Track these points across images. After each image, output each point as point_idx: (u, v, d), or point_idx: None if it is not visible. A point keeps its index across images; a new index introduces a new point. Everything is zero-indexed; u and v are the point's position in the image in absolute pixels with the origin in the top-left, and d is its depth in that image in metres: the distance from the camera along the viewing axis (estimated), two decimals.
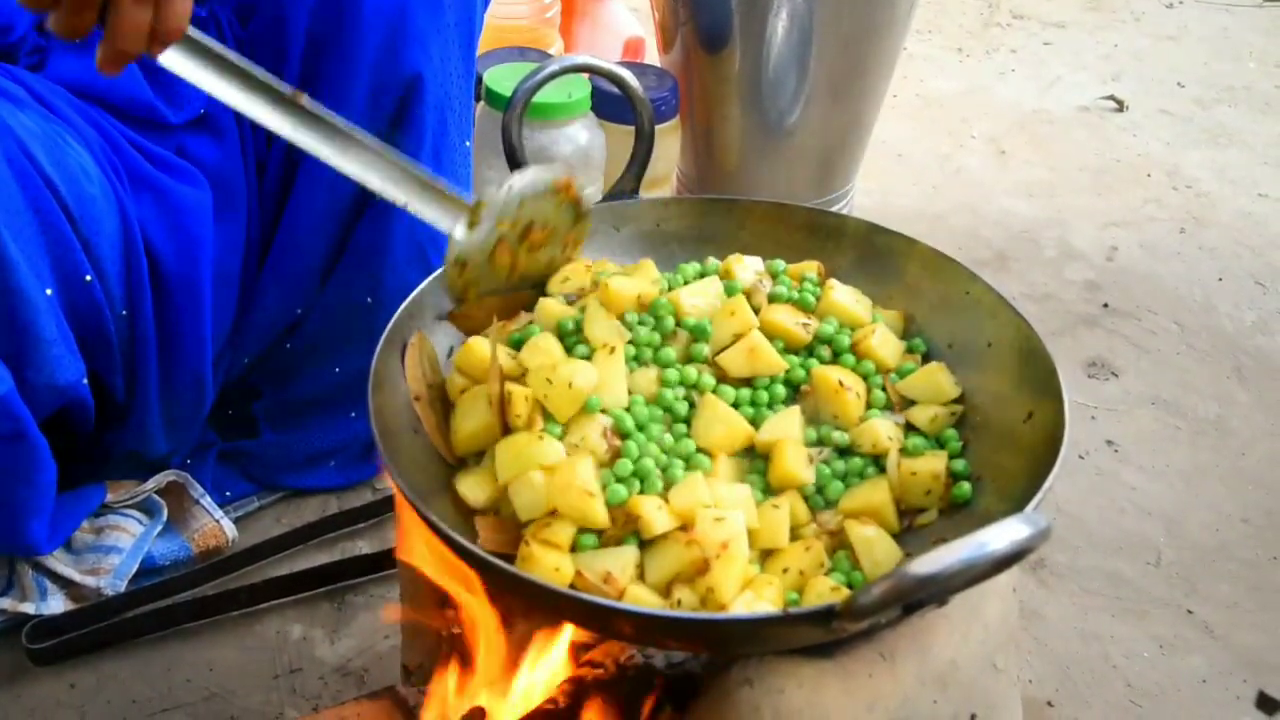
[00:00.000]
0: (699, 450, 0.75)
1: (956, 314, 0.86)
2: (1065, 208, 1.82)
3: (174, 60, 0.72)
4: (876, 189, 1.83)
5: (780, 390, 0.79)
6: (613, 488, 0.70)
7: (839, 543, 0.73)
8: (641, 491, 0.71)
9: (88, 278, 0.93)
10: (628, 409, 0.75)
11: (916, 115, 2.07)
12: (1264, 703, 0.82)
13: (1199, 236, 1.76)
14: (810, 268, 0.88)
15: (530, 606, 0.75)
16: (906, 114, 2.06)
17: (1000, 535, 0.55)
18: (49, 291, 0.89)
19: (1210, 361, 1.50)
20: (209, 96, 1.02)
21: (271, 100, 0.74)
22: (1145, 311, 1.59)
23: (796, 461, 0.73)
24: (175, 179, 1.01)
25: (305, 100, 0.74)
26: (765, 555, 0.72)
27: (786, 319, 0.82)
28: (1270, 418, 1.40)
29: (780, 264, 0.88)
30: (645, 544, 0.70)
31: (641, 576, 0.69)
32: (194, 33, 0.72)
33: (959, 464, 0.77)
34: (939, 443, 0.79)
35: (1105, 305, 1.59)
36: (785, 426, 0.76)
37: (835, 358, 0.82)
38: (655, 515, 0.68)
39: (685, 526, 0.68)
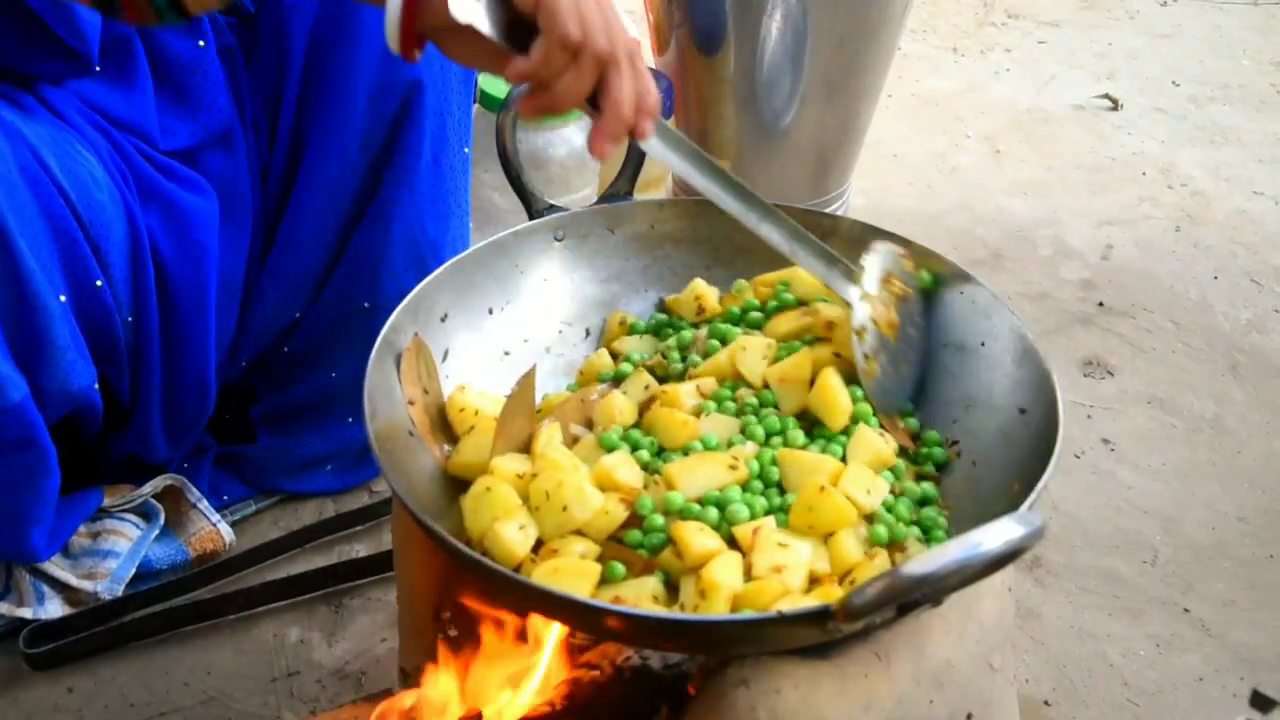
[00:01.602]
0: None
1: (951, 314, 0.86)
2: (1060, 206, 1.82)
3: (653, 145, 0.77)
4: (872, 188, 1.83)
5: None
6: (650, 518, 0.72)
7: None
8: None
9: (98, 283, 0.93)
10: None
11: (912, 115, 2.07)
12: (1258, 701, 0.82)
13: (1194, 235, 1.76)
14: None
15: (526, 608, 0.75)
16: (902, 113, 2.06)
17: (994, 535, 0.55)
18: (62, 298, 0.89)
19: (1206, 360, 1.50)
20: (228, 122, 1.04)
21: (717, 177, 0.80)
22: (1140, 310, 1.59)
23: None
24: (183, 188, 1.01)
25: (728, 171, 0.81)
26: None
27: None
28: (1266, 416, 1.41)
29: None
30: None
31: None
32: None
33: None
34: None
35: (1100, 304, 1.60)
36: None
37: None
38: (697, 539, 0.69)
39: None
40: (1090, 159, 1.96)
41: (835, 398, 0.78)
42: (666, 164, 0.79)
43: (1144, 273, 1.67)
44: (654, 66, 1.59)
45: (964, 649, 0.73)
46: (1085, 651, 1.09)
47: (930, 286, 0.87)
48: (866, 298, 0.82)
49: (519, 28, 0.70)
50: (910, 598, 0.55)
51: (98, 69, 0.95)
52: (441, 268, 0.86)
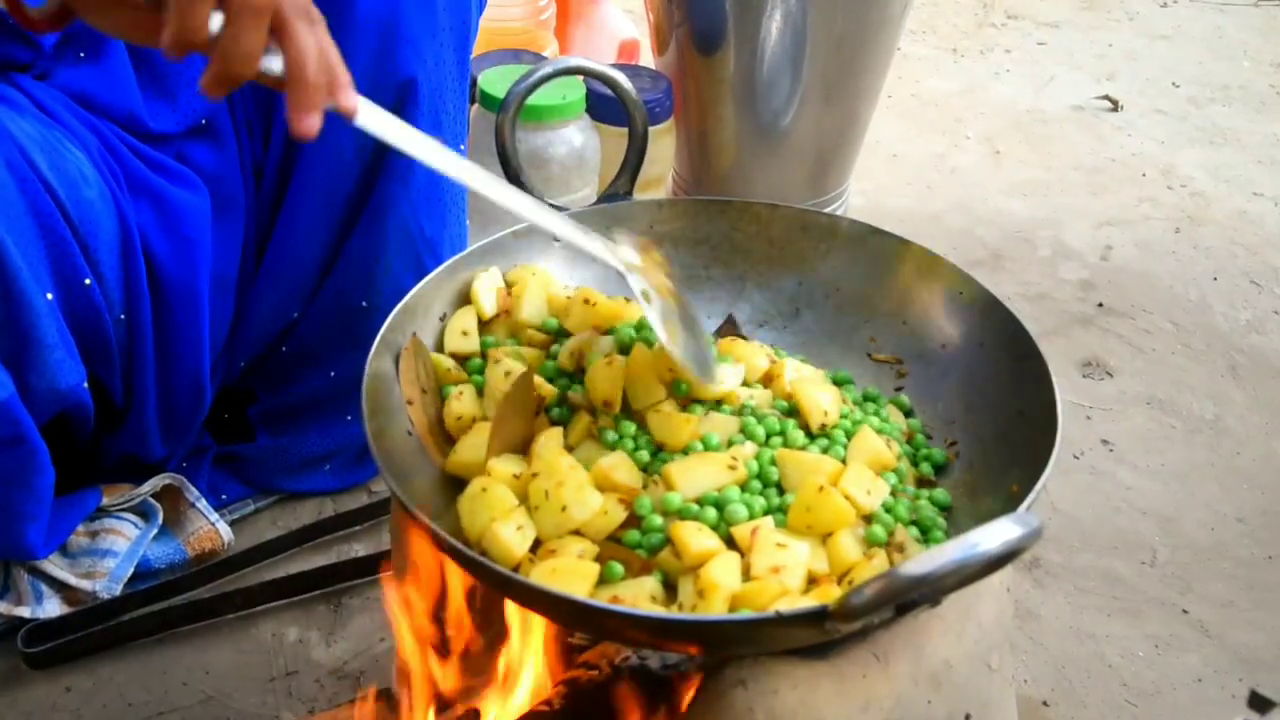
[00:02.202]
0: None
1: (950, 315, 0.86)
2: (1060, 207, 1.82)
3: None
4: (871, 189, 1.83)
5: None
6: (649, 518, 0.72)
7: None
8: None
9: (87, 281, 0.93)
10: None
11: (911, 115, 2.07)
12: (1256, 701, 0.82)
13: (1194, 236, 1.76)
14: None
15: (524, 608, 0.75)
16: (901, 114, 2.07)
17: (992, 536, 0.55)
18: (49, 296, 0.89)
19: (1205, 361, 1.50)
20: (210, 105, 1.04)
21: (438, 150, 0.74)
22: (1140, 311, 1.59)
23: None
24: (173, 184, 1.01)
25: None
26: None
27: None
28: (1265, 417, 1.41)
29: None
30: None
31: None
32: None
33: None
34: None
35: (1100, 305, 1.60)
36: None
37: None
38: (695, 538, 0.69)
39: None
40: (1090, 160, 1.97)
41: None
42: (382, 136, 0.71)
43: (1143, 273, 1.67)
44: (653, 67, 1.59)
45: (962, 649, 0.73)
46: (1084, 652, 1.09)
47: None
48: (633, 267, 0.78)
49: None
50: (908, 598, 0.55)
51: (82, 55, 0.94)
52: (440, 267, 0.86)
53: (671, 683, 0.78)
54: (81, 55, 0.96)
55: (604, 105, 1.39)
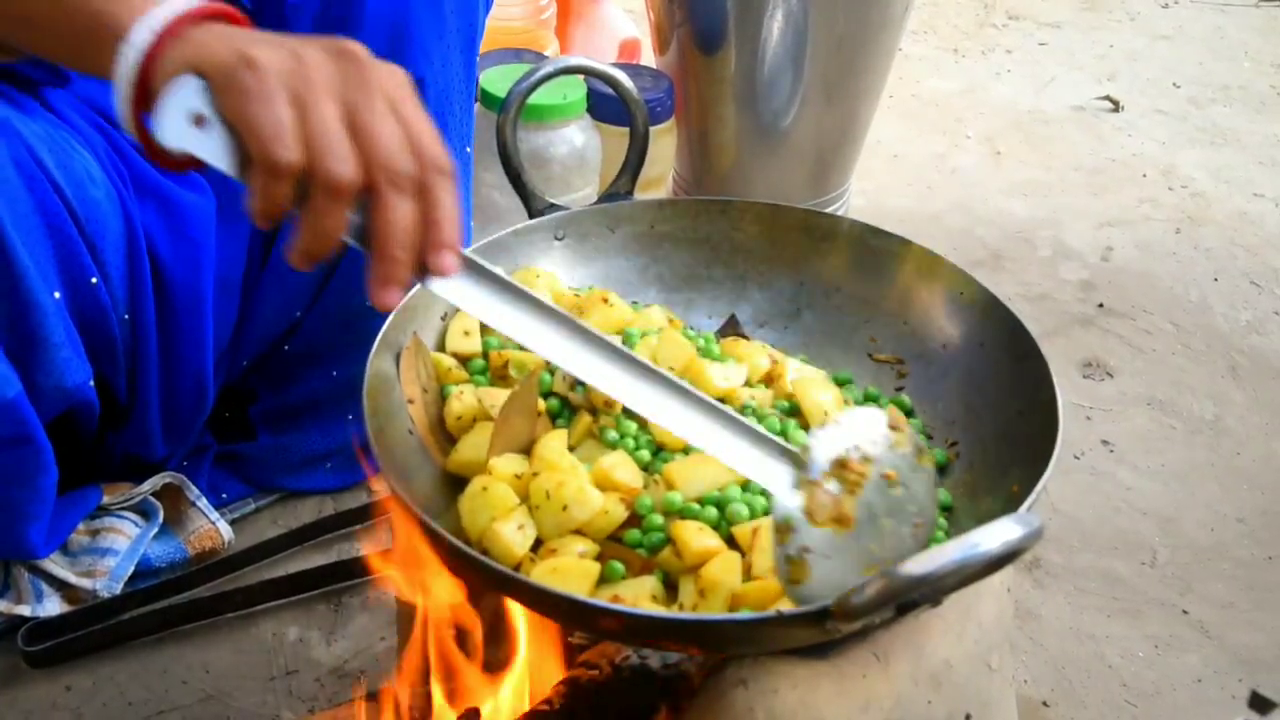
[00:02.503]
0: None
1: (950, 315, 0.86)
2: (1060, 208, 1.82)
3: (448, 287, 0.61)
4: (872, 189, 1.83)
5: None
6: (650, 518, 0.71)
7: None
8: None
9: (93, 280, 0.93)
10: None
11: (912, 115, 2.07)
12: (1256, 702, 0.82)
13: (1194, 236, 1.76)
14: None
15: (526, 607, 0.75)
16: (902, 114, 2.07)
17: (992, 536, 0.55)
18: (57, 295, 0.89)
19: (1205, 361, 1.50)
20: None
21: (560, 326, 0.63)
22: (1140, 311, 1.59)
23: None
24: (180, 185, 1.01)
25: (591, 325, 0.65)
26: None
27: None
28: (1265, 417, 1.41)
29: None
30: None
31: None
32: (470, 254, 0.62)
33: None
34: None
35: (1100, 305, 1.60)
36: None
37: None
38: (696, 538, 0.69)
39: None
40: (1090, 160, 1.96)
41: None
42: (474, 314, 0.63)
43: (1144, 274, 1.67)
44: (654, 66, 1.59)
45: (962, 649, 0.73)
46: (1084, 652, 1.09)
47: (941, 462, 0.77)
48: (805, 485, 0.64)
49: None
50: (908, 598, 0.55)
51: None
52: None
53: (672, 682, 0.78)
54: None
55: (605, 105, 1.39)
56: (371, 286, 0.59)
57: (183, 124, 0.57)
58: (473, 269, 0.62)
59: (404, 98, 0.60)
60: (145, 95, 0.60)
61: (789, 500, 0.63)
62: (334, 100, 0.57)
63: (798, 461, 0.64)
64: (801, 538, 0.62)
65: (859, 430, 0.65)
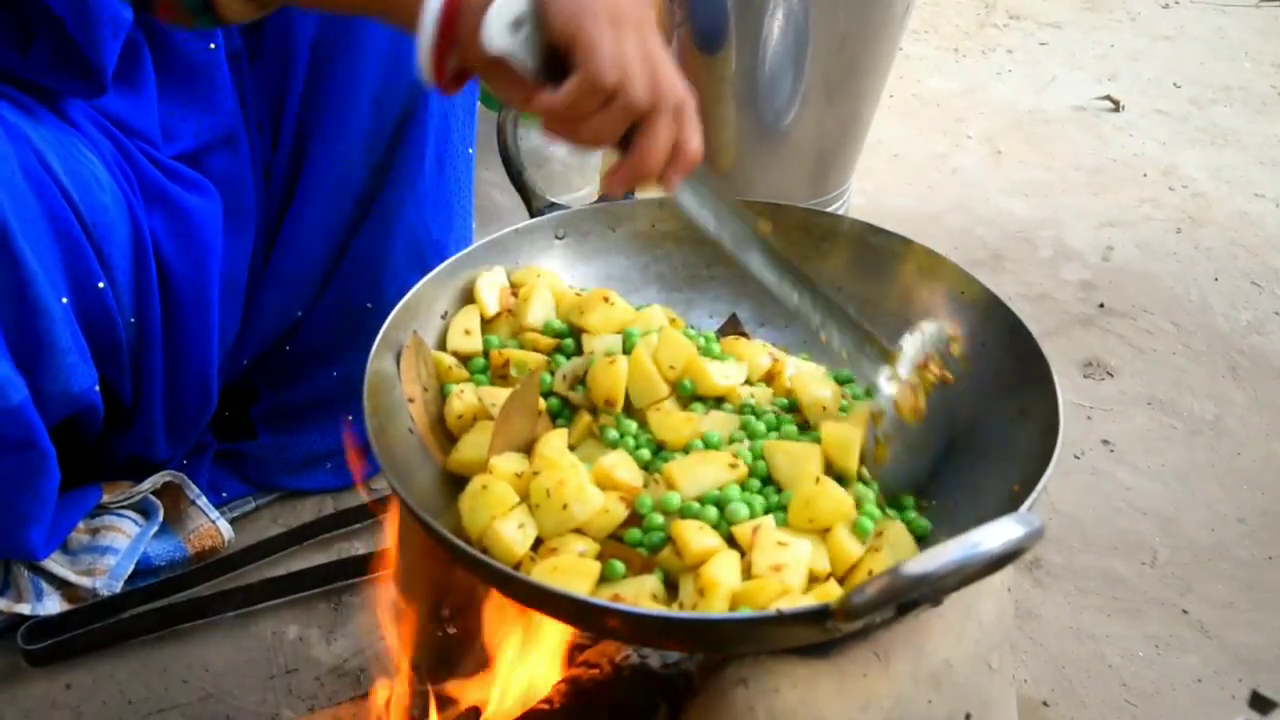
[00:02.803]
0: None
1: (951, 314, 0.86)
2: (1061, 207, 1.82)
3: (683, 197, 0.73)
4: (872, 189, 1.83)
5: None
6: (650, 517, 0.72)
7: None
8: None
9: (100, 284, 0.93)
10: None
11: (913, 115, 2.07)
12: (1257, 702, 0.82)
13: (1195, 236, 1.76)
14: None
15: (526, 606, 0.75)
16: (903, 114, 2.07)
17: (993, 535, 0.55)
18: (64, 300, 0.89)
19: (1206, 361, 1.50)
20: (233, 126, 1.04)
21: (754, 244, 0.77)
22: (1141, 311, 1.59)
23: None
24: (186, 190, 1.01)
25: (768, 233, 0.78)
26: None
27: None
28: (1266, 418, 1.41)
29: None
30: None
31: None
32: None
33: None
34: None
35: (1101, 305, 1.60)
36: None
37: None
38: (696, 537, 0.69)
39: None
40: (1091, 160, 1.96)
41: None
42: (696, 221, 0.75)
43: (1144, 274, 1.67)
44: None
45: (963, 649, 0.73)
46: (1084, 652, 1.09)
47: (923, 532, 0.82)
48: (895, 379, 0.78)
49: (556, 61, 0.66)
50: (909, 597, 0.55)
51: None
52: (441, 265, 0.86)
53: (673, 681, 0.78)
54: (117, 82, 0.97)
55: None
56: (611, 180, 0.69)
57: (505, 27, 0.63)
58: (700, 190, 0.74)
59: (660, 42, 0.68)
60: (450, 34, 0.65)
61: (886, 389, 0.77)
62: (634, 29, 0.65)
63: (890, 359, 0.78)
64: (887, 424, 0.77)
65: (932, 339, 0.80)
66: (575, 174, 1.36)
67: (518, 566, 0.70)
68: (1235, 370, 1.48)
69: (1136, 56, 2.33)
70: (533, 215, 0.92)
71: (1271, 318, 1.58)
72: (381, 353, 0.78)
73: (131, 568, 1.07)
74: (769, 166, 1.57)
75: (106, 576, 1.06)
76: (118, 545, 1.08)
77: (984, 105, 2.12)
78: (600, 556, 0.70)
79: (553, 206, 0.93)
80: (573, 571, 0.67)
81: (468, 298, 0.88)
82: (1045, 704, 1.04)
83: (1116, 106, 2.12)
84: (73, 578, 1.05)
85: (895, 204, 1.80)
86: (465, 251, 0.88)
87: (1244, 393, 1.45)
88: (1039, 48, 2.36)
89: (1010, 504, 0.72)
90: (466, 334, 0.85)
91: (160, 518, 1.11)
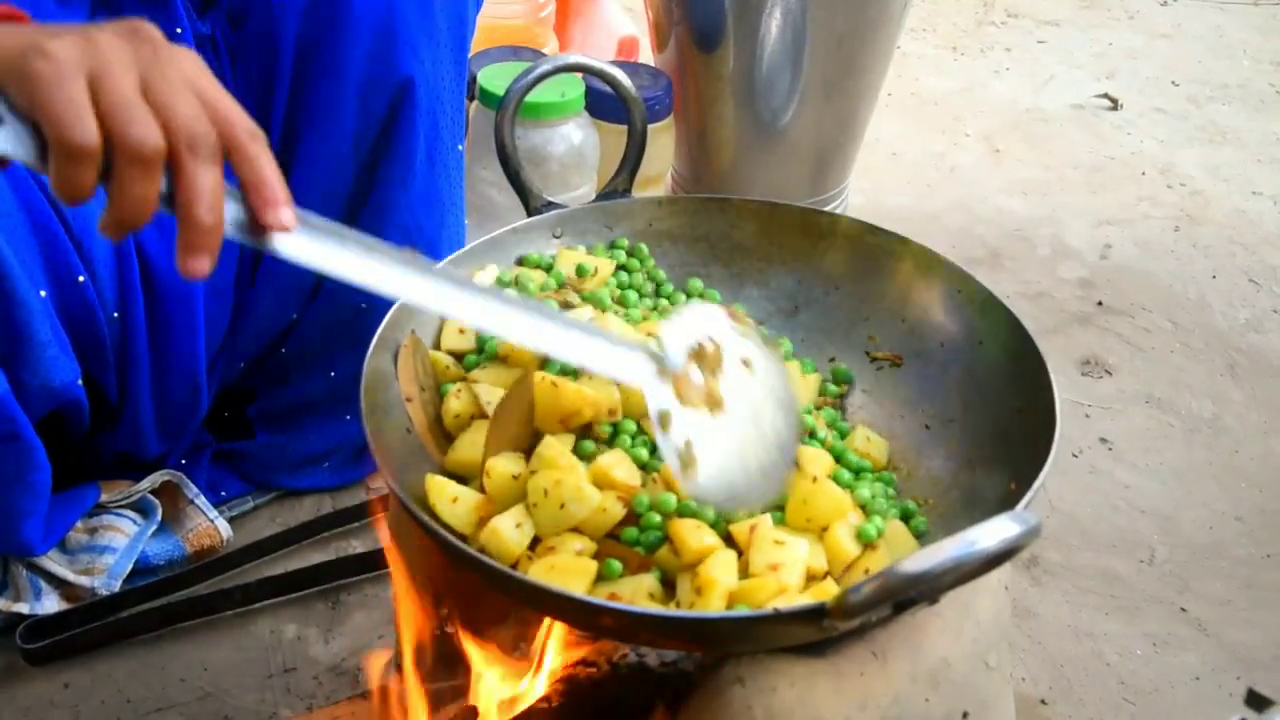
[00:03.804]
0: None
1: (948, 313, 0.86)
2: (1059, 206, 1.82)
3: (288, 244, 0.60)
4: (871, 188, 1.83)
5: None
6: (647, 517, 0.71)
7: None
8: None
9: (80, 279, 0.93)
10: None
11: (911, 114, 2.07)
12: (1253, 700, 0.82)
13: (1193, 234, 1.76)
14: None
15: (522, 605, 0.75)
16: (901, 112, 2.07)
17: (990, 533, 0.55)
18: (43, 293, 0.89)
19: (1204, 359, 1.50)
20: None
21: (411, 268, 0.63)
22: (1139, 309, 1.59)
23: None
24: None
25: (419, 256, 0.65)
26: None
27: None
28: (1264, 415, 1.41)
29: None
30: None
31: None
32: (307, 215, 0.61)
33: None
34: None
35: (1099, 303, 1.60)
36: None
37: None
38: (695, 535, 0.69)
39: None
40: (1089, 159, 1.97)
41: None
42: (322, 268, 0.60)
43: (1143, 272, 1.67)
44: (653, 64, 1.59)
45: (960, 647, 0.73)
46: (1082, 650, 1.10)
47: (789, 356, 0.79)
48: (665, 374, 0.68)
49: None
50: (906, 596, 0.55)
51: None
52: (437, 265, 0.86)
53: (670, 680, 0.78)
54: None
55: (603, 102, 1.38)
56: (181, 257, 0.58)
57: None
58: (310, 225, 0.61)
59: (199, 73, 0.59)
60: None
61: (659, 390, 0.67)
62: (129, 74, 0.57)
63: (655, 357, 0.68)
64: (683, 426, 0.67)
65: (703, 323, 0.71)
66: (573, 173, 1.36)
67: (515, 565, 0.70)
68: (1233, 368, 1.48)
69: (1135, 55, 2.33)
70: (530, 214, 0.92)
71: (1270, 316, 1.58)
72: (379, 352, 0.78)
73: (130, 567, 1.07)
74: (767, 166, 1.57)
75: (105, 575, 1.06)
76: (116, 544, 1.08)
77: (982, 104, 2.12)
78: (598, 555, 0.70)
79: (550, 205, 0.92)
80: (570, 570, 0.67)
81: None
82: (1043, 702, 1.04)
83: (1115, 105, 2.12)
84: (71, 577, 1.05)
85: (894, 203, 1.80)
86: (461, 251, 0.88)
87: (1242, 391, 1.45)
88: (1037, 46, 2.36)
89: (1007, 502, 0.72)
90: (461, 333, 0.85)
91: (159, 517, 1.11)
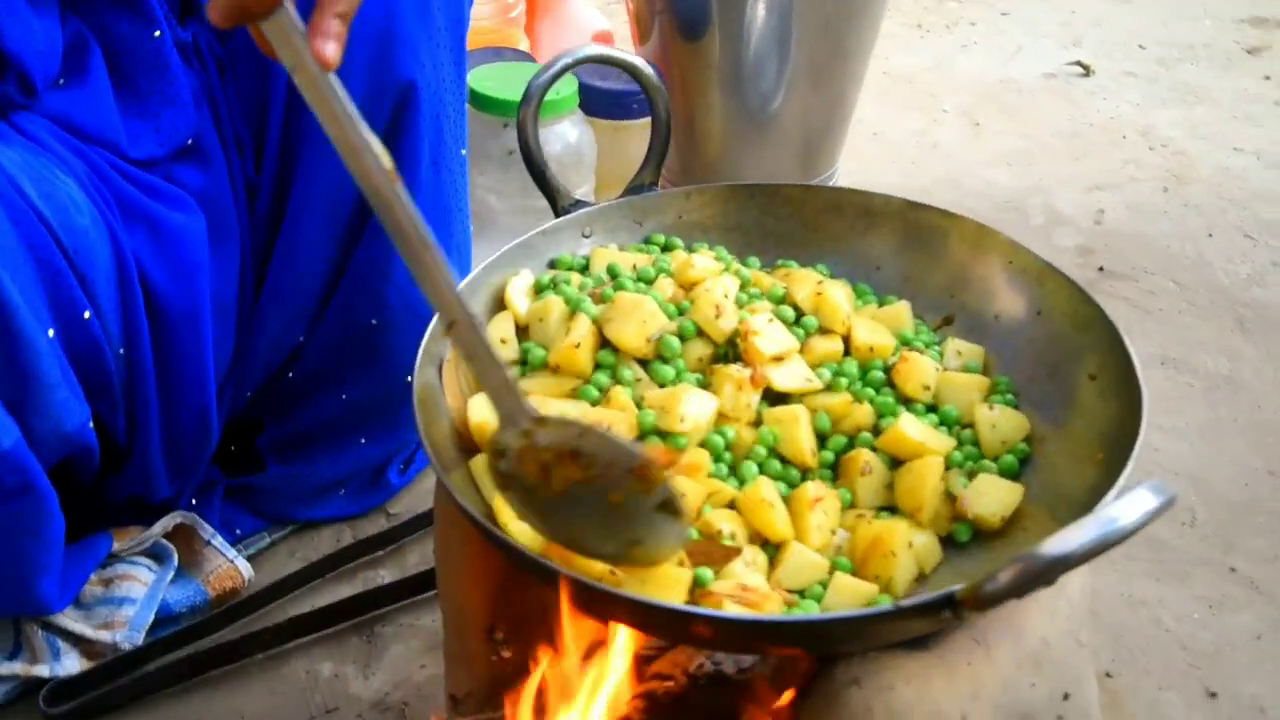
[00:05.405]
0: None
1: (1002, 285, 0.84)
2: (1046, 174, 1.82)
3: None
4: (857, 169, 1.81)
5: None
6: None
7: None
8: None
9: (86, 314, 0.87)
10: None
11: (886, 93, 2.06)
12: None
13: (1182, 194, 1.76)
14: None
15: (605, 619, 0.71)
16: (876, 92, 2.05)
17: (1131, 508, 0.52)
18: (50, 333, 0.84)
19: (1212, 317, 1.49)
20: (195, 125, 0.98)
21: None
22: (1141, 272, 1.58)
23: None
24: (167, 206, 0.95)
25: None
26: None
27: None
28: (1279, 368, 1.40)
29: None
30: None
31: None
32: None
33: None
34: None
35: (1100, 269, 1.59)
36: None
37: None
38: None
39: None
40: (1068, 126, 1.96)
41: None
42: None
43: (1138, 234, 1.67)
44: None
45: (1056, 626, 0.71)
46: (1138, 619, 1.08)
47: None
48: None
49: None
50: (1046, 580, 0.52)
51: (60, 81, 0.90)
52: (472, 273, 0.82)
53: (746, 686, 0.75)
54: (62, 81, 0.91)
55: (595, 99, 1.35)
56: (312, 40, 0.60)
57: None
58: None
59: None
60: None
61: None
62: None
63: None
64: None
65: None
66: (572, 172, 1.33)
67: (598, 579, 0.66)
68: (1242, 323, 1.48)
69: (1099, 21, 2.34)
70: (558, 215, 0.88)
71: (1270, 269, 1.58)
72: (424, 365, 0.74)
73: (151, 617, 1.02)
74: (757, 152, 1.55)
75: (126, 629, 1.00)
76: (134, 594, 1.02)
77: (954, 79, 2.11)
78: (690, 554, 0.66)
79: (578, 204, 0.89)
80: (664, 581, 0.63)
81: (499, 304, 0.84)
82: (1109, 675, 1.02)
83: (1087, 71, 2.12)
84: (90, 633, 0.99)
85: (883, 182, 1.78)
86: (495, 256, 0.84)
87: (1254, 346, 1.44)
88: (1001, 18, 2.36)
89: (1096, 473, 0.70)
90: (503, 342, 0.81)
91: (175, 562, 1.05)
